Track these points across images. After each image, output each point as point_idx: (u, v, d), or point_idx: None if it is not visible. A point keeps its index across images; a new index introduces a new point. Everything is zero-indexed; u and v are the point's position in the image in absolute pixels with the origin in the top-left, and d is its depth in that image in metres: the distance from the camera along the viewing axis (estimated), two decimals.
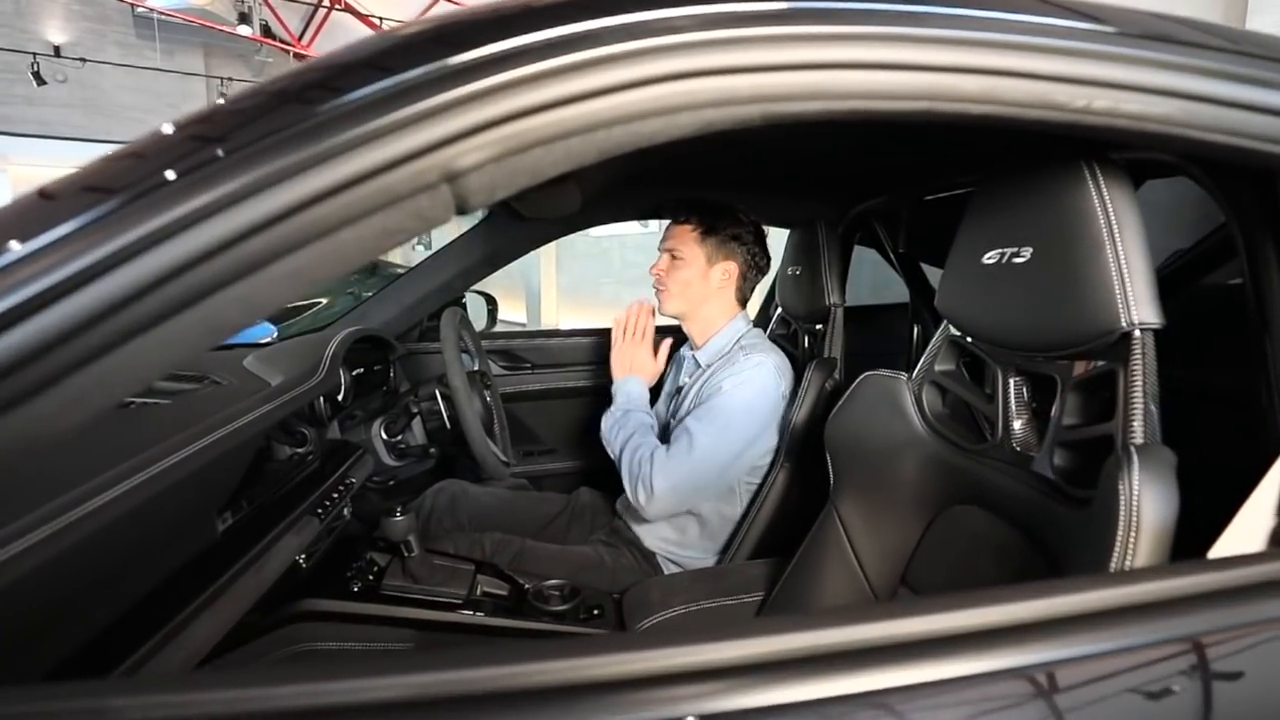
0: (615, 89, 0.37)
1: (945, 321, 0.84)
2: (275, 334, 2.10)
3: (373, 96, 0.34)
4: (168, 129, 0.35)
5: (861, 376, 0.93)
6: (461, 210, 0.38)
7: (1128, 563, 0.47)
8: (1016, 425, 0.74)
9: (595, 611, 1.08)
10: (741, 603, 1.06)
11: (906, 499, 0.86)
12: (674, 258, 1.27)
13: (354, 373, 1.30)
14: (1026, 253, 0.66)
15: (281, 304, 0.35)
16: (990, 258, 0.71)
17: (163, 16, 7.92)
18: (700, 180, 1.42)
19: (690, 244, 1.26)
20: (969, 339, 0.79)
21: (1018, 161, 0.69)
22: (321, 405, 1.09)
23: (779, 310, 1.55)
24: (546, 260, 8.03)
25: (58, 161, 7.42)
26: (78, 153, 8.00)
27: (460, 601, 1.01)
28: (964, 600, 0.40)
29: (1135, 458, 0.50)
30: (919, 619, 0.39)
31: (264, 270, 0.33)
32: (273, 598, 0.90)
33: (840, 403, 0.95)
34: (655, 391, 1.42)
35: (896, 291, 2.01)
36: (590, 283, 7.82)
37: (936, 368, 0.85)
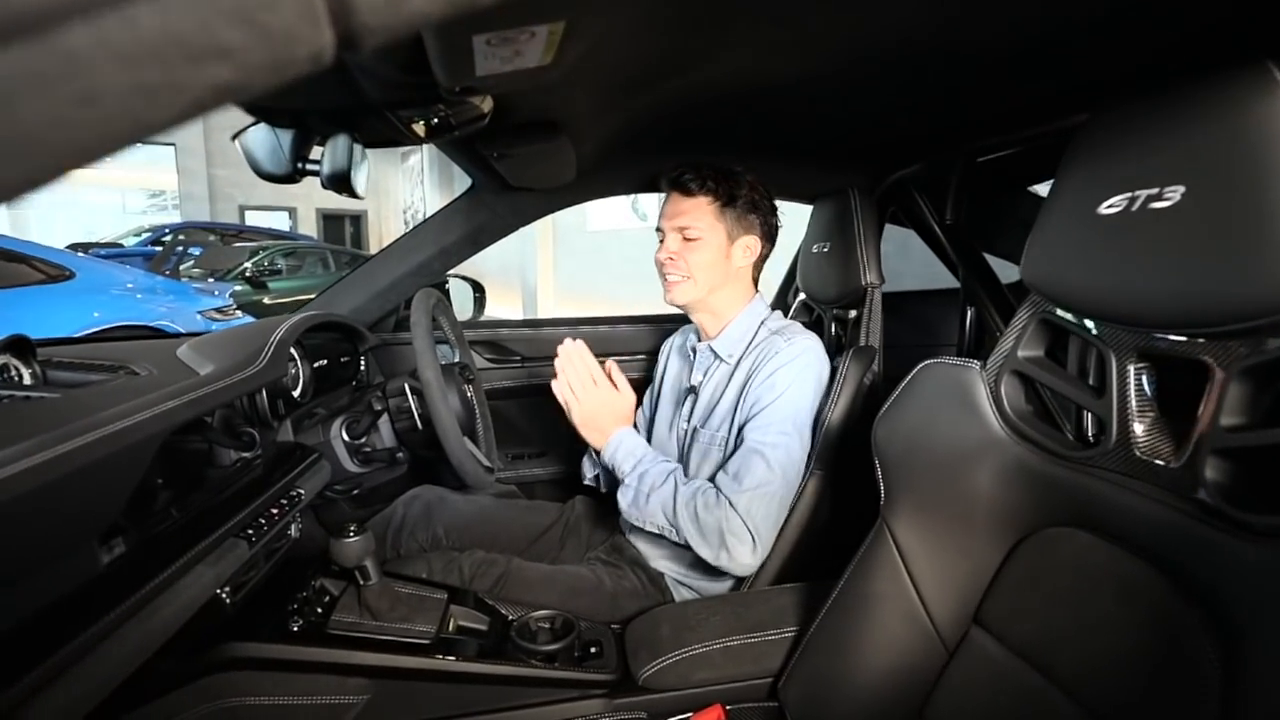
0: None
1: (1031, 296, 0.68)
2: None
3: None
4: None
5: (920, 365, 0.76)
6: (344, 32, 0.19)
7: None
8: (1139, 427, 0.58)
9: (592, 649, 0.90)
10: (771, 640, 0.88)
11: (981, 518, 0.70)
12: (687, 238, 1.07)
13: (315, 364, 1.13)
14: (1174, 194, 0.50)
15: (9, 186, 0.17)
16: (1112, 205, 0.55)
17: None
18: (712, 149, 1.24)
19: (708, 218, 1.07)
20: (1077, 318, 0.62)
21: (1157, 76, 0.52)
22: (264, 401, 0.92)
23: (800, 295, 1.38)
24: (543, 256, 7.89)
25: None
26: None
27: (429, 641, 0.83)
28: None
29: None
30: None
31: None
32: (191, 640, 0.73)
33: (892, 398, 0.78)
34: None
35: (905, 283, 1.85)
36: (587, 279, 7.65)
37: (1020, 354, 0.68)
